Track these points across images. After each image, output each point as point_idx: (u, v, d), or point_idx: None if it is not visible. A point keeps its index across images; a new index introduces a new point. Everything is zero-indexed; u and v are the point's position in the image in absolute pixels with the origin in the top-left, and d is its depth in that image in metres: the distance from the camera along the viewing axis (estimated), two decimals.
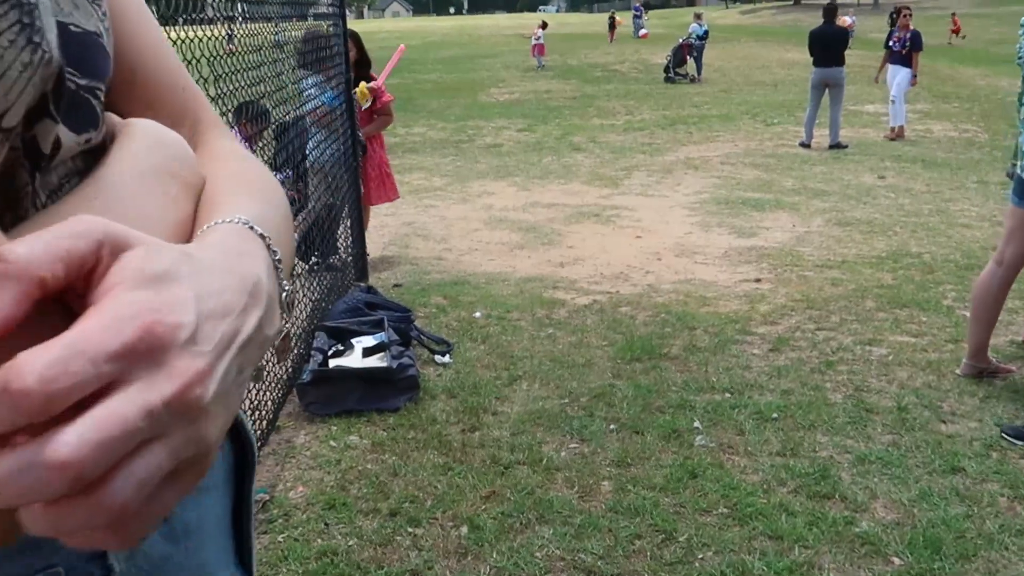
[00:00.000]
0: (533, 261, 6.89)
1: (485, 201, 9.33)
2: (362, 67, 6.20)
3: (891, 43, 12.84)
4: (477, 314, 5.09)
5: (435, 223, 8.46)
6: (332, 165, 5.25)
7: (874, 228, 7.68)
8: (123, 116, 0.64)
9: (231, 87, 3.24)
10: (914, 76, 13.05)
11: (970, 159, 11.28)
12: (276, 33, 4.13)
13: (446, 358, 4.32)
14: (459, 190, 10.08)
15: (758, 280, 6.08)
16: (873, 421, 3.71)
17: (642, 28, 38.60)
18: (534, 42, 26.67)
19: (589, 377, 4.17)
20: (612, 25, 37.49)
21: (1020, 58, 3.66)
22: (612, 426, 3.65)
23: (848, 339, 4.72)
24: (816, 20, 13.79)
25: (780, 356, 4.48)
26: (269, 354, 0.59)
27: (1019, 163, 3.79)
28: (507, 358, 4.40)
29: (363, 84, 6.20)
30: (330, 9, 5.51)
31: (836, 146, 12.27)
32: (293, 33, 4.68)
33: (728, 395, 3.99)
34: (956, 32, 34.50)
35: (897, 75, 12.84)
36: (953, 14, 37.54)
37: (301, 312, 4.25)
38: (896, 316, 5.10)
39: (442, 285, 5.88)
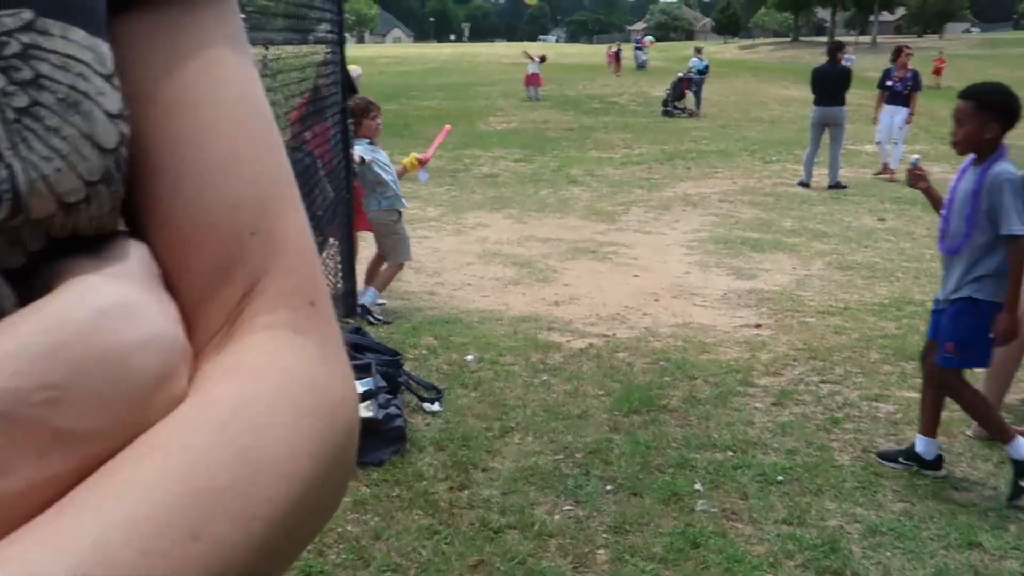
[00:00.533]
0: (527, 299, 6.72)
1: (480, 233, 9.17)
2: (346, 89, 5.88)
3: (891, 83, 12.75)
4: (469, 357, 4.91)
5: (428, 255, 8.29)
6: (325, 198, 5.09)
7: (875, 273, 7.54)
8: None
9: None
10: (911, 115, 13.01)
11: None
12: (267, 59, 3.97)
13: (436, 406, 4.13)
14: (454, 221, 9.93)
15: (758, 325, 5.91)
16: (883, 486, 3.52)
17: (643, 59, 38.71)
18: (529, 71, 26.28)
19: (585, 430, 3.98)
20: (618, 57, 37.63)
21: None
22: (609, 487, 3.45)
23: (854, 394, 4.54)
24: (815, 57, 13.78)
25: (784, 411, 4.29)
26: None
27: None
28: (499, 407, 4.21)
29: (414, 155, 6.32)
30: (329, 35, 5.36)
31: (835, 186, 12.17)
32: (289, 61, 4.52)
33: (731, 453, 3.80)
34: (938, 72, 34.54)
35: (896, 115, 12.76)
36: (940, 53, 37.60)
37: None
38: (903, 369, 4.93)
39: (434, 323, 5.70)
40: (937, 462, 3.66)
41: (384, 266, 6.09)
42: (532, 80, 25.86)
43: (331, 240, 5.61)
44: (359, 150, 5.68)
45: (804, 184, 12.37)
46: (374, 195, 5.82)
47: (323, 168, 4.96)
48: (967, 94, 3.52)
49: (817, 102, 12.47)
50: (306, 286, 0.45)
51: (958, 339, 3.51)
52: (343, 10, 5.35)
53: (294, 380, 0.41)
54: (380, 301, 6.06)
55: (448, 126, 7.20)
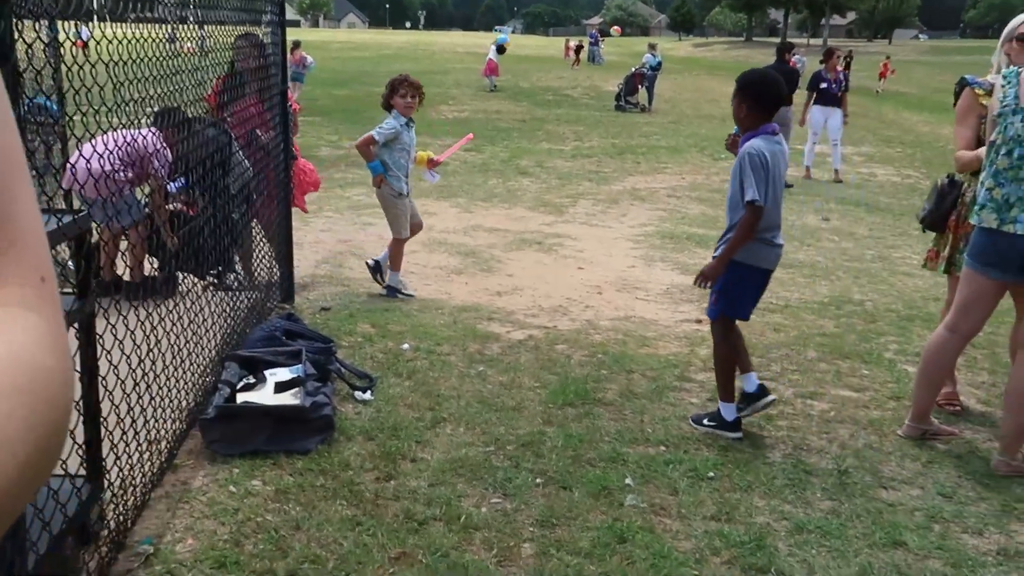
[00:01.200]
0: (470, 288, 6.65)
1: (426, 222, 9.04)
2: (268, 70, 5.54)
3: (825, 85, 12.86)
4: (405, 346, 4.82)
5: (372, 242, 8.16)
6: (254, 178, 4.96)
7: (817, 272, 7.60)
8: None
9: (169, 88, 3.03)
10: (846, 116, 13.22)
11: (912, 205, 11.33)
12: (202, 39, 3.84)
13: (367, 395, 4.04)
14: None
15: (699, 321, 5.91)
16: (812, 484, 3.52)
17: (601, 56, 38.82)
18: (489, 58, 26.31)
19: (518, 422, 3.93)
20: (578, 52, 37.74)
21: (1005, 105, 3.53)
22: (539, 480, 3.41)
23: (789, 391, 4.56)
24: (767, 57, 13.87)
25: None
26: None
27: (978, 214, 3.67)
28: (433, 397, 4.14)
29: (428, 154, 6.44)
30: (269, 16, 5.22)
31: None
32: (223, 40, 4.38)
33: (663, 448, 3.78)
34: (883, 76, 35.03)
35: (831, 117, 12.90)
36: (887, 58, 38.11)
37: (212, 338, 3.94)
38: (838, 368, 4.96)
39: (372, 311, 5.60)
40: (736, 424, 3.94)
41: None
42: (491, 68, 25.82)
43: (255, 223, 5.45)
44: (388, 123, 5.95)
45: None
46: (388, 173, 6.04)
47: (246, 148, 4.83)
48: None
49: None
50: (37, 263, 0.48)
51: (716, 291, 3.95)
52: None
53: (14, 355, 0.43)
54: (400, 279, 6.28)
55: (471, 134, 7.17)
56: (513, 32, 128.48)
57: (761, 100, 3.84)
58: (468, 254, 7.75)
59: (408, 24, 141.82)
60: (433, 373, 4.46)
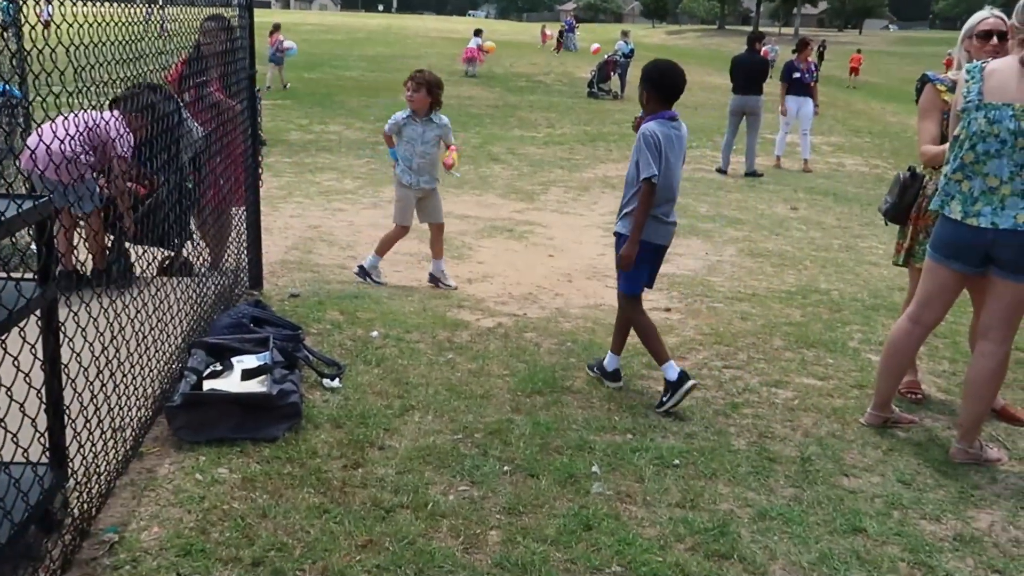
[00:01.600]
0: None
1: None
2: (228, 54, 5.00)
3: (799, 75, 12.96)
4: (374, 333, 4.82)
5: (342, 228, 8.16)
6: (217, 158, 4.88)
7: (785, 261, 7.68)
8: None
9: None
10: (817, 107, 13.36)
11: (879, 195, 11.42)
12: (163, 21, 3.79)
13: (335, 382, 4.04)
14: (371, 194, 9.78)
15: (668, 310, 5.96)
16: (776, 472, 3.57)
17: (575, 42, 38.80)
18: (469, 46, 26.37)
19: (486, 410, 3.94)
20: (561, 36, 37.84)
21: (968, 101, 3.58)
22: (506, 467, 3.42)
23: (754, 379, 4.61)
24: (739, 46, 13.93)
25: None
26: None
27: (945, 204, 3.71)
28: (401, 385, 4.14)
29: (445, 155, 6.63)
30: None
31: (752, 174, 12.36)
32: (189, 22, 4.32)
33: (630, 436, 3.81)
34: (854, 71, 35.29)
35: (804, 106, 13.02)
36: (858, 51, 38.33)
37: (178, 325, 3.91)
38: (803, 356, 5.02)
39: (341, 298, 5.58)
40: (616, 374, 4.42)
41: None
42: (471, 54, 25.84)
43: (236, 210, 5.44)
44: (394, 115, 6.35)
45: (722, 171, 12.54)
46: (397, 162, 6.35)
47: (201, 114, 4.71)
48: None
49: (735, 90, 12.64)
50: None
51: (616, 267, 4.32)
52: None
53: None
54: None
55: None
56: (487, 17, 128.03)
57: (660, 88, 4.19)
58: None
59: (381, 7, 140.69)
60: (402, 361, 4.46)
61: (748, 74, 12.51)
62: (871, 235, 8.96)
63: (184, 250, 4.81)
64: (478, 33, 27.11)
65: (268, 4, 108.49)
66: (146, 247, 4.17)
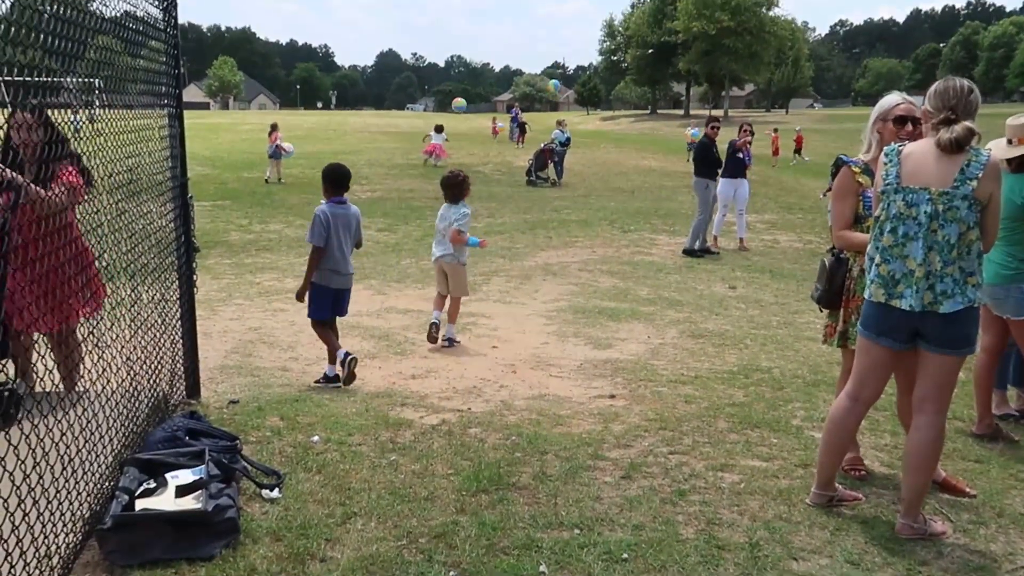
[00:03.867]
0: (383, 373, 6.60)
1: None
2: (54, 147, 3.86)
3: (741, 155, 13.38)
4: (315, 438, 4.73)
5: (283, 329, 8.07)
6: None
7: (726, 340, 7.76)
8: None
9: None
10: (750, 186, 13.96)
11: (814, 270, 11.71)
12: (77, 122, 3.75)
13: (275, 492, 3.94)
14: None
15: (612, 396, 5.96)
16: (725, 560, 3.54)
17: (521, 131, 39.52)
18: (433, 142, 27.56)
19: (431, 512, 3.87)
20: (523, 126, 38.47)
21: (887, 184, 3.71)
22: (452, 572, 3.34)
23: (700, 464, 4.60)
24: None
25: (632, 484, 4.30)
26: None
27: (868, 288, 3.80)
28: (343, 491, 4.05)
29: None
30: (164, 88, 5.05)
31: (705, 251, 12.80)
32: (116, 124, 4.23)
33: (577, 531, 3.75)
34: (798, 150, 36.44)
35: (740, 187, 13.42)
36: (783, 130, 39.45)
37: (109, 443, 3.79)
38: (748, 437, 5.04)
39: (282, 402, 5.49)
40: (336, 377, 6.22)
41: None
42: (435, 149, 26.90)
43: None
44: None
45: (707, 250, 12.91)
46: None
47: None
48: None
49: (711, 175, 13.09)
50: None
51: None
52: (182, 82, 5.17)
53: None
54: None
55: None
56: (425, 110, 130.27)
57: (329, 180, 6.42)
58: (382, 337, 7.70)
59: (320, 104, 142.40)
60: (344, 465, 4.37)
61: (715, 158, 13.13)
62: (808, 310, 9.12)
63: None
64: (439, 129, 27.87)
65: (207, 105, 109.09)
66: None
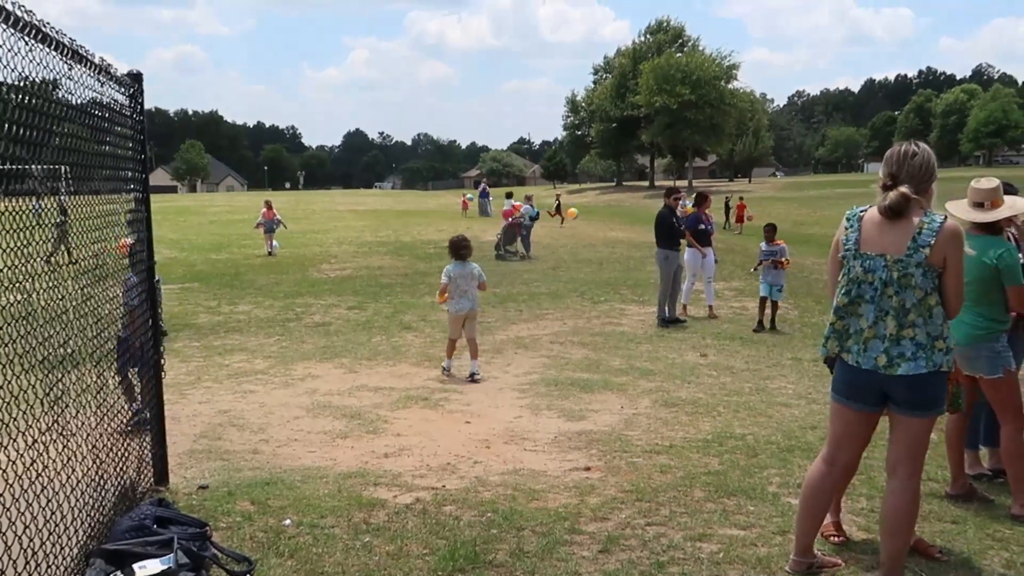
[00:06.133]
0: (356, 452, 6.51)
1: (309, 385, 8.92)
2: None
3: (704, 226, 13.60)
4: (287, 522, 4.64)
5: (253, 410, 7.96)
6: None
7: (699, 408, 7.76)
8: None
9: None
10: (716, 254, 14.18)
11: (783, 336, 11.84)
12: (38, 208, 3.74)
13: None
14: (282, 373, 9.63)
15: (588, 468, 5.92)
16: None
17: (489, 208, 39.79)
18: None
19: None
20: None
21: (847, 249, 3.79)
22: None
23: (678, 535, 4.56)
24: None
25: (611, 558, 4.25)
26: None
27: (824, 344, 3.86)
28: None
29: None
30: (130, 173, 5.05)
31: (676, 321, 12.87)
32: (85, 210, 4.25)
33: None
34: (740, 220, 36.52)
35: (707, 256, 13.59)
36: (740, 198, 39.57)
37: (74, 534, 3.70)
38: (724, 506, 5.01)
39: (252, 486, 5.39)
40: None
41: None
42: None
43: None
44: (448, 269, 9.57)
45: (678, 320, 12.96)
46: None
47: None
48: None
49: (671, 246, 13.19)
50: None
51: None
52: (149, 166, 5.19)
53: None
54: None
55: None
56: (393, 188, 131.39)
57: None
58: (353, 416, 7.62)
59: (288, 184, 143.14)
60: (316, 549, 4.29)
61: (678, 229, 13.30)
62: (779, 376, 9.18)
63: None
64: (509, 195, 28.98)
65: (174, 188, 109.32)
66: None
